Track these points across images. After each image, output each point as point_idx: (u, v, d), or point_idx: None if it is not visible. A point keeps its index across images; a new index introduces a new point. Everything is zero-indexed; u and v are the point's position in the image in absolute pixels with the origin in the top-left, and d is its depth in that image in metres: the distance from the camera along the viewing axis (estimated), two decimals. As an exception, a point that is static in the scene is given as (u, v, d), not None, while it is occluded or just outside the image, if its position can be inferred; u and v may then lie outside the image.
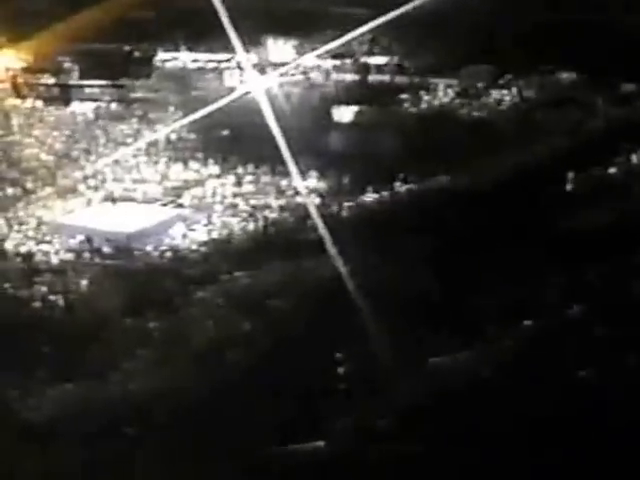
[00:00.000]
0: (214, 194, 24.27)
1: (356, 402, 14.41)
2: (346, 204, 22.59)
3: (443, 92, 27.83)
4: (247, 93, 27.80)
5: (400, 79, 28.63)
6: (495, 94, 27.09)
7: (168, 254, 20.64)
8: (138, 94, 30.33)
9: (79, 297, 18.57)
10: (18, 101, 29.91)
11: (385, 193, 22.93)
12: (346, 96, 28.47)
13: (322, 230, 20.16)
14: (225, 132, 27.48)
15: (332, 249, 18.94)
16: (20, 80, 30.95)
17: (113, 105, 29.95)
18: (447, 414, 13.89)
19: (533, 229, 19.16)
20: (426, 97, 27.73)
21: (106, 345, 16.53)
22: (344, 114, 27.83)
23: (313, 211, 21.69)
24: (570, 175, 21.71)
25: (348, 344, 15.75)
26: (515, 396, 14.17)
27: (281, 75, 29.55)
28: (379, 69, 29.37)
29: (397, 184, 23.19)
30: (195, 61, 31.88)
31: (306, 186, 23.65)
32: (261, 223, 22.16)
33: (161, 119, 28.68)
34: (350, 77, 29.54)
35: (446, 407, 14.04)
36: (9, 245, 21.26)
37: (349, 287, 17.36)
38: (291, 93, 29.09)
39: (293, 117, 25.42)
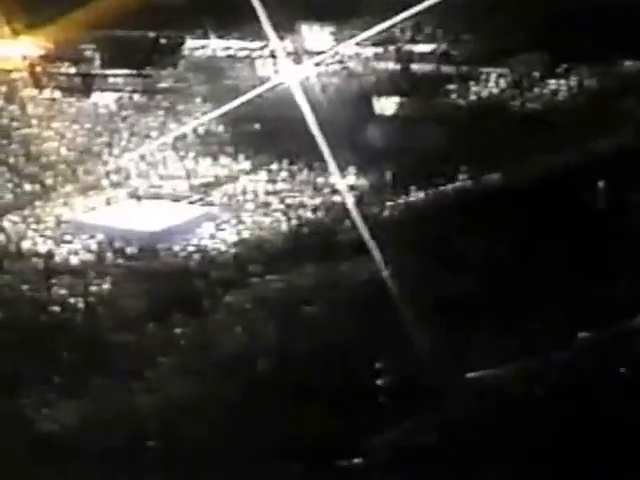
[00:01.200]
0: (245, 191, 24.44)
1: (396, 417, 14.40)
2: (388, 203, 22.60)
3: (494, 82, 27.69)
4: (281, 83, 27.95)
5: (446, 68, 28.56)
6: (552, 84, 26.90)
7: (195, 255, 20.81)
8: (164, 84, 30.65)
9: (100, 300, 18.80)
10: (36, 91, 30.39)
11: (430, 192, 22.88)
12: (388, 87, 28.47)
13: (361, 231, 20.19)
14: (257, 125, 27.66)
15: (372, 252, 18.95)
16: (38, 69, 31.43)
17: (137, 96, 30.29)
18: (495, 432, 13.85)
19: (594, 232, 18.97)
20: (475, 88, 27.62)
21: (129, 352, 16.73)
22: (385, 106, 27.84)
23: (352, 211, 21.74)
24: (635, 173, 21.47)
25: (388, 354, 15.74)
26: (570, 415, 14.06)
27: (317, 64, 29.65)
28: (423, 57, 29.33)
29: (443, 182, 23.15)
30: (226, 49, 32.14)
31: (344, 183, 23.71)
32: (295, 223, 22.26)
33: (189, 111, 28.94)
34: (392, 66, 29.54)
35: (494, 424, 13.99)
36: (26, 245, 21.60)
37: (390, 293, 17.36)
38: (328, 83, 29.17)
39: (330, 109, 25.51)
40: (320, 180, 24.59)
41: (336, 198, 23.46)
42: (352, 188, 23.62)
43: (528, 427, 13.73)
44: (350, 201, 22.42)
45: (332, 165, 23.84)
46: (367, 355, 15.75)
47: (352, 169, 24.60)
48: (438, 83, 27.87)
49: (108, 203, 24.22)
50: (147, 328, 17.48)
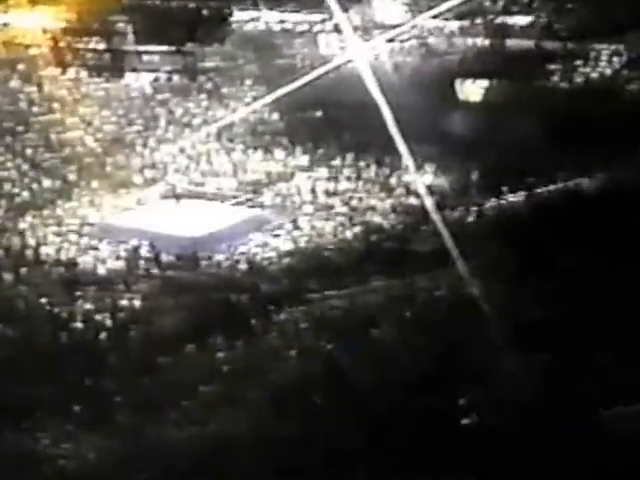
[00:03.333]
0: (302, 191, 24.67)
1: (487, 466, 14.31)
2: (473, 208, 22.59)
3: (605, 62, 27.48)
4: (347, 63, 28.14)
5: (548, 45, 28.43)
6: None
7: (243, 266, 21.06)
8: (208, 63, 31.10)
9: (131, 317, 19.09)
10: (58, 71, 31.00)
11: (524, 194, 22.80)
12: (475, 67, 28.44)
13: (441, 240, 20.20)
14: (318, 112, 27.87)
15: (455, 264, 18.94)
16: (61, 44, 32.06)
17: (177, 77, 30.78)
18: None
19: None
20: (582, 68, 27.44)
21: (163, 379, 16.96)
22: (472, 90, 27.81)
23: (430, 215, 21.77)
24: None
25: (475, 389, 15.68)
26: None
27: (390, 40, 29.77)
28: (520, 32, 29.26)
29: (541, 182, 23.03)
30: (280, 22, 32.48)
31: (421, 183, 23.75)
32: (362, 229, 22.38)
33: (237, 95, 29.29)
34: (480, 42, 29.51)
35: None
36: (46, 251, 22.03)
37: (476, 314, 17.31)
38: (403, 63, 29.26)
39: (405, 94, 25.57)
40: (392, 179, 24.68)
41: (411, 200, 23.51)
42: (430, 189, 23.65)
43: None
44: (428, 204, 22.46)
45: (407, 161, 23.92)
46: (448, 389, 15.70)
47: (431, 166, 24.64)
48: (537, 63, 27.75)
49: (141, 203, 24.65)
50: (185, 351, 17.69)
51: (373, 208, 23.28)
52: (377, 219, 22.79)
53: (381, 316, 18.24)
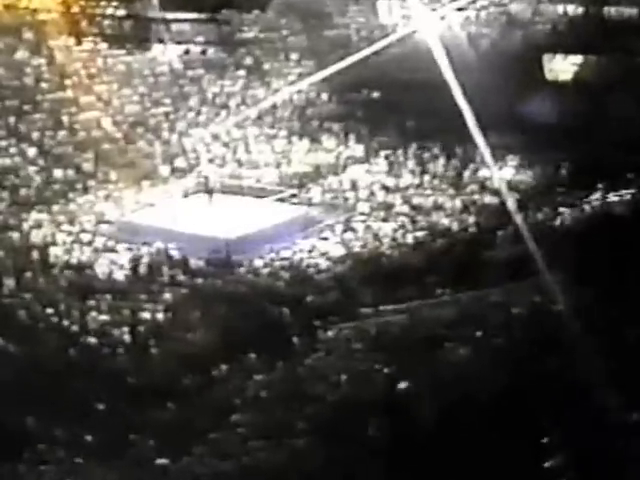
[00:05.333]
0: (356, 187, 24.78)
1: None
2: (562, 208, 22.54)
3: None
4: (411, 35, 28.21)
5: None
6: None
7: (285, 273, 21.19)
8: (247, 34, 31.34)
9: (153, 332, 19.28)
10: (71, 40, 31.35)
11: (623, 193, 22.72)
12: (566, 40, 28.38)
13: (523, 246, 20.20)
14: (376, 94, 27.98)
15: (538, 276, 18.93)
16: (74, 9, 32.43)
17: (211, 50, 31.04)
18: None
19: None
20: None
21: (189, 405, 17.12)
22: (562, 68, 27.76)
23: (510, 217, 21.76)
24: None
25: (561, 424, 15.64)
26: None
27: (463, 8, 29.80)
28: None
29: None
30: (333, -15, 32.63)
31: (500, 178, 23.75)
32: (427, 233, 22.42)
33: (280, 72, 29.48)
34: (573, 10, 29.43)
35: None
36: (55, 253, 22.27)
37: (563, 335, 17.29)
38: (479, 35, 29.28)
39: (482, 72, 25.62)
40: (464, 173, 24.71)
41: (487, 199, 23.55)
42: (511, 185, 23.66)
43: None
44: (508, 203, 22.44)
45: (482, 151, 23.92)
46: (529, 424, 15.66)
47: (512, 158, 24.63)
48: (640, 35, 27.69)
49: (167, 198, 24.89)
50: (215, 372, 17.85)
51: (440, 207, 23.30)
52: (445, 221, 22.80)
53: (448, 335, 18.25)
